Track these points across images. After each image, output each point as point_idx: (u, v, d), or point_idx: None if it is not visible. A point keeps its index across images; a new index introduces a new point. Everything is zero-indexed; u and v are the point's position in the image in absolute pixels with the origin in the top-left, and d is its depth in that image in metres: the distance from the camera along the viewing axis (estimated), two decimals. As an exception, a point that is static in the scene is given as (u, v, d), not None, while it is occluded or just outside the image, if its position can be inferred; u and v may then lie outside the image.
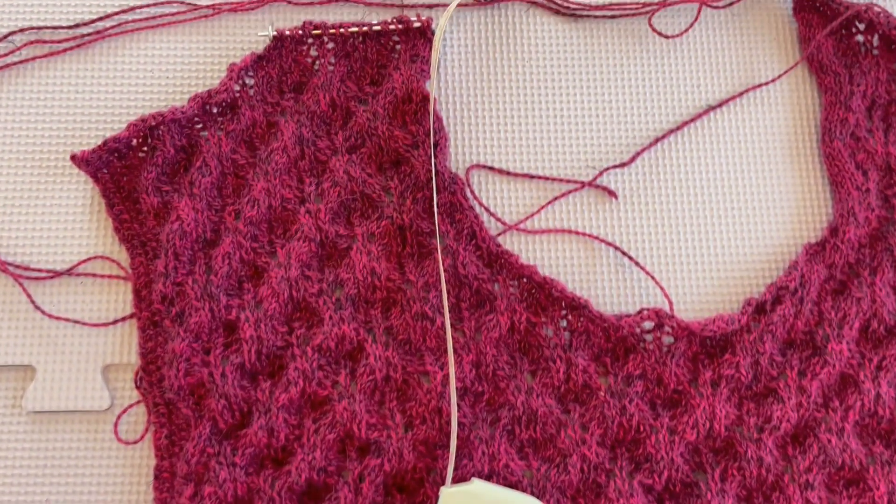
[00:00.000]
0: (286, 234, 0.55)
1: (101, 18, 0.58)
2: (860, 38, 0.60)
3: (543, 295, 0.54)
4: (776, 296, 0.55)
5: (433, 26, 0.58)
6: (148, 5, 0.58)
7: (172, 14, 0.58)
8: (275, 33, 0.56)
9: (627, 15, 0.60)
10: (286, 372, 0.52)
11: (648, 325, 0.54)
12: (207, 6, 0.58)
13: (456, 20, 0.59)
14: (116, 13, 0.58)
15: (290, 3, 0.59)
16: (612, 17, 0.60)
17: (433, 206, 0.55)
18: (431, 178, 0.55)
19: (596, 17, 0.60)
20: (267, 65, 0.57)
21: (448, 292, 0.55)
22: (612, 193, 0.57)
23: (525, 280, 0.55)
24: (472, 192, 0.57)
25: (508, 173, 0.57)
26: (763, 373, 0.53)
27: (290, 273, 0.53)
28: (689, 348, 0.54)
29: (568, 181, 0.57)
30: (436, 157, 0.56)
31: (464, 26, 0.60)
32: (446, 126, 0.58)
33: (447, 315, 0.52)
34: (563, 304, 0.54)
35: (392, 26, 0.57)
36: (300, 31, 0.57)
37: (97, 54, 0.58)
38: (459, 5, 0.59)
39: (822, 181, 0.58)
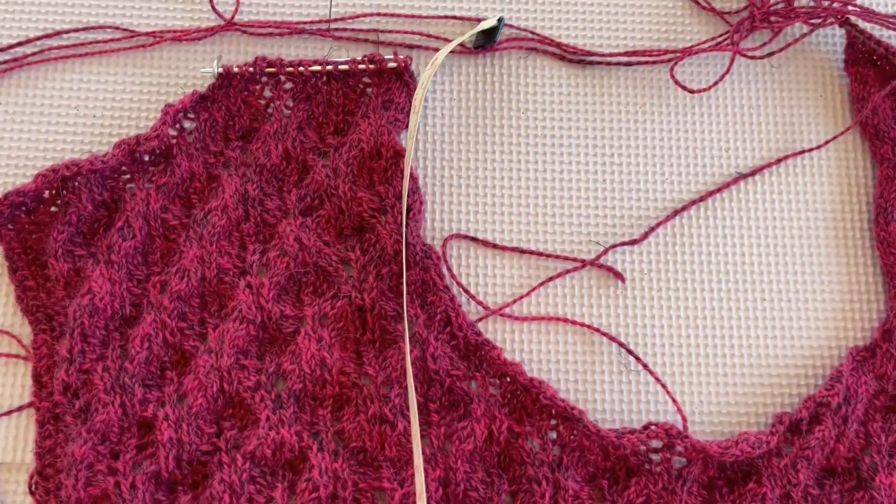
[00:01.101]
0: (221, 313, 0.46)
1: (20, 44, 0.49)
2: (924, 99, 0.50)
3: (530, 399, 0.45)
4: (814, 412, 0.46)
5: (412, 68, 0.49)
6: (77, 30, 0.50)
7: (105, 41, 0.50)
8: (221, 70, 0.48)
9: (646, 63, 0.50)
10: (210, 484, 0.44)
11: (656, 443, 0.44)
12: (147, 33, 0.50)
13: (441, 66, 0.50)
14: (39, 38, 0.49)
15: (244, 33, 0.50)
16: (628, 64, 0.50)
17: (401, 285, 0.46)
18: (401, 251, 0.46)
19: (609, 64, 0.50)
20: (211, 106, 0.49)
21: (415, 390, 0.45)
22: (618, 276, 0.48)
23: (508, 380, 0.45)
24: (450, 268, 0.47)
25: (494, 246, 0.48)
26: (795, 508, 0.44)
27: (223, 361, 0.45)
28: (704, 473, 0.45)
29: (566, 258, 0.48)
30: (407, 224, 0.46)
31: (449, 70, 0.50)
32: (423, 188, 0.49)
33: (415, 419, 0.43)
34: (554, 412, 0.45)
35: (363, 66, 0.48)
36: (251, 68, 0.48)
37: (12, 85, 0.49)
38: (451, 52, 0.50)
39: (873, 271, 0.49)
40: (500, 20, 0.49)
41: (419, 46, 0.50)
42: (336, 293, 0.46)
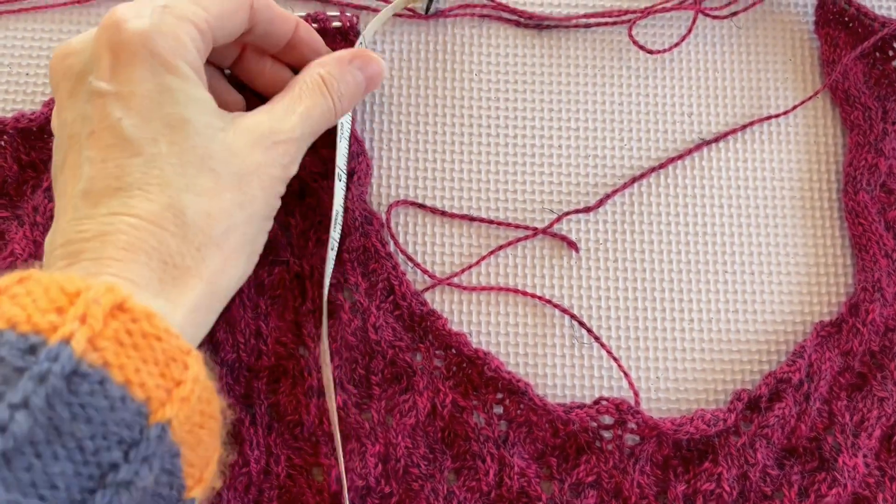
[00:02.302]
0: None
1: (-49, -1, 0.47)
2: (898, 63, 0.47)
3: (475, 372, 0.43)
4: (775, 389, 0.43)
5: (359, 27, 0.46)
6: (11, -15, 0.47)
7: (40, -3, 0.47)
8: (158, 25, 0.45)
9: (605, 24, 0.48)
10: (136, 457, 0.41)
11: (608, 419, 0.42)
12: (83, -11, 0.47)
13: (390, 29, 0.48)
14: (-29, -7, 0.47)
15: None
16: (587, 26, 0.48)
17: (343, 252, 0.44)
18: (333, 212, 0.43)
19: (565, 27, 0.48)
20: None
21: (356, 362, 0.43)
22: (572, 245, 0.45)
23: (453, 351, 0.43)
24: (394, 236, 0.45)
25: (443, 213, 0.46)
26: (753, 489, 0.42)
27: (152, 330, 0.42)
28: (658, 452, 0.42)
29: (517, 226, 0.45)
30: (349, 188, 0.44)
31: (399, 35, 0.48)
32: (370, 152, 0.46)
33: (332, 393, 0.40)
34: (500, 385, 0.42)
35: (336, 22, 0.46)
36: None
37: (-58, 42, 0.47)
38: (396, 14, 0.47)
39: (841, 243, 0.46)
40: None
41: (369, 7, 0.48)
42: (273, 259, 0.44)
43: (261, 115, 0.38)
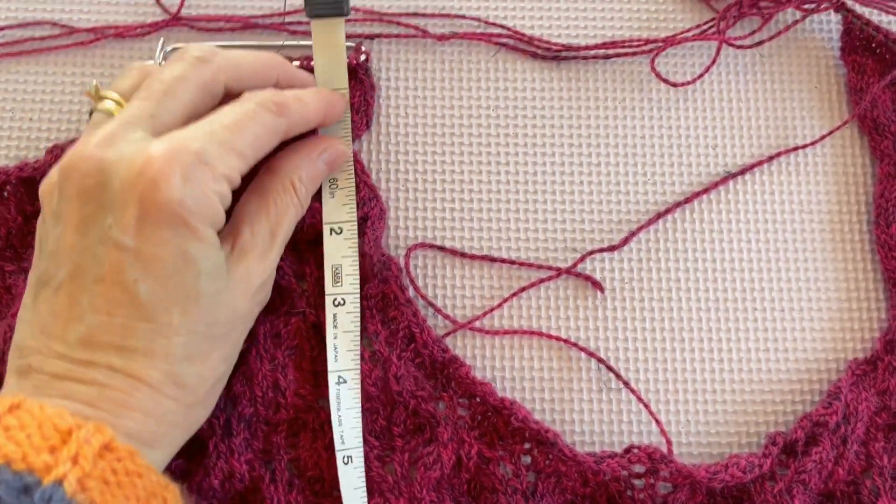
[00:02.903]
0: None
1: (-50, 42, 0.46)
2: (928, 90, 0.46)
3: (501, 421, 0.41)
4: (811, 433, 0.42)
5: (370, 64, 0.45)
6: (12, 27, 0.46)
7: (42, 38, 0.46)
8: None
9: (625, 55, 0.46)
10: (153, 519, 0.39)
11: (639, 468, 0.40)
12: (87, 29, 0.46)
13: (404, 65, 0.46)
14: (-30, 36, 0.46)
15: (192, 28, 0.46)
16: (606, 57, 0.46)
17: (362, 298, 0.42)
18: (356, 256, 0.42)
19: (585, 58, 0.46)
20: (154, 107, 0.44)
21: (377, 412, 0.42)
22: (597, 285, 0.44)
23: (478, 400, 0.42)
24: (413, 280, 0.44)
25: (463, 255, 0.44)
26: (790, 537, 0.40)
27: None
28: (691, 500, 0.41)
29: (539, 267, 0.44)
30: (363, 234, 0.43)
31: (413, 72, 0.46)
32: (385, 194, 0.45)
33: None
34: (527, 434, 0.41)
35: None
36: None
37: (-59, 88, 0.46)
38: (402, 35, 0.46)
39: (874, 277, 0.45)
40: None
41: (381, 35, 0.47)
42: (290, 309, 0.43)
43: (251, 255, 0.37)
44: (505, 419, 0.41)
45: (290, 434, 0.42)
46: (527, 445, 0.41)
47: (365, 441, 0.41)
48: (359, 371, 0.41)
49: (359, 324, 0.42)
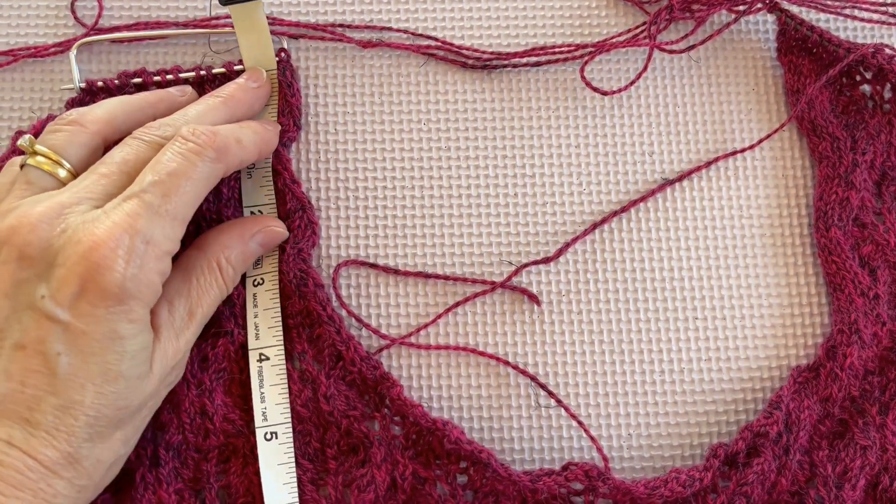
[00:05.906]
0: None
1: None
2: (866, 89, 0.45)
3: (436, 440, 0.40)
4: (752, 443, 0.41)
5: (291, 63, 0.44)
6: (-71, 52, 0.45)
7: (-40, 64, 0.45)
8: (83, 85, 0.43)
9: (556, 62, 0.45)
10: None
11: (577, 485, 0.39)
12: (2, 52, 0.45)
13: (332, 77, 0.45)
14: None
15: (112, 41, 0.45)
16: (537, 64, 0.45)
17: (289, 318, 0.42)
18: (285, 280, 0.42)
19: (515, 66, 0.46)
20: (75, 130, 0.43)
21: (309, 434, 0.41)
22: (532, 298, 0.43)
23: (411, 420, 0.41)
24: (339, 296, 0.43)
25: (395, 271, 0.43)
26: (734, 551, 0.39)
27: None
28: (632, 517, 0.40)
29: (474, 281, 0.43)
30: (283, 249, 0.42)
31: (342, 80, 0.45)
32: (316, 209, 0.44)
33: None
34: (462, 454, 0.40)
35: (239, 67, 0.44)
36: (116, 81, 0.43)
37: None
38: (325, 38, 0.45)
39: (815, 282, 0.44)
40: None
41: (322, 37, 0.46)
42: (216, 331, 0.42)
43: (164, 334, 0.37)
44: (438, 440, 0.40)
45: (221, 461, 0.41)
46: (463, 465, 0.40)
47: (298, 464, 0.40)
48: (282, 348, 0.41)
49: (278, 301, 0.42)
